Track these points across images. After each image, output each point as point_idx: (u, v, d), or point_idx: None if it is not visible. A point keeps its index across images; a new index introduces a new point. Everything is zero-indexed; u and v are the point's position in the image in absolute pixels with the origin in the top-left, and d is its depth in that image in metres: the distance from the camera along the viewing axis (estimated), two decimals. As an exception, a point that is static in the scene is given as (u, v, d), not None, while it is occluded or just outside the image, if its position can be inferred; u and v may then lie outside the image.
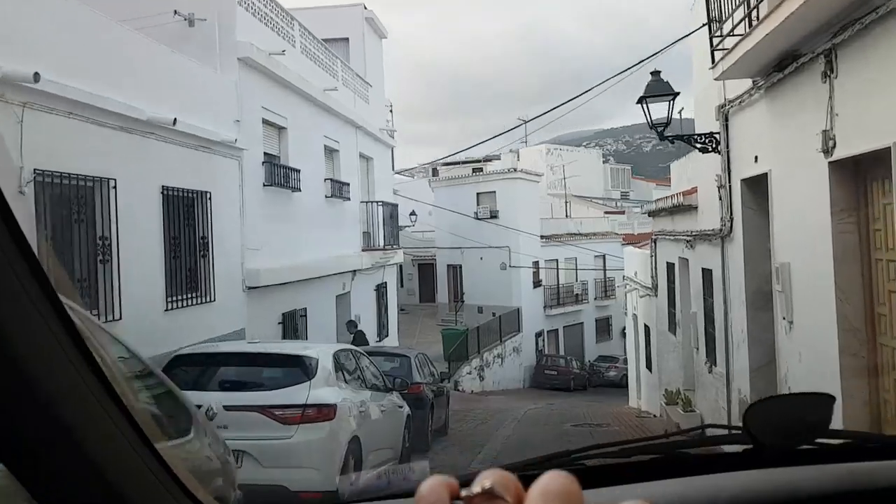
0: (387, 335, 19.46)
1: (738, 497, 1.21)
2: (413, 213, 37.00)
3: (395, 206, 21.20)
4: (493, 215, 32.01)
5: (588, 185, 43.81)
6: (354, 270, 17.16)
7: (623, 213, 41.14)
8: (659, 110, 9.41)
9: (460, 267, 33.83)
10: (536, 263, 33.12)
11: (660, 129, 9.39)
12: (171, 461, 0.86)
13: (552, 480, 0.55)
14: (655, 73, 9.64)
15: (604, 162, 46.16)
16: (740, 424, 1.35)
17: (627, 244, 40.52)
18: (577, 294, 35.83)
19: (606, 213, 39.80)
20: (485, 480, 0.56)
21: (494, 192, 31.92)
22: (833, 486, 1.25)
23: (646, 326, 20.08)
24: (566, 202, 38.88)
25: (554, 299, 34.54)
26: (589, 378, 32.96)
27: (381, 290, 20.21)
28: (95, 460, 0.75)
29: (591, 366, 35.00)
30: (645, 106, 9.46)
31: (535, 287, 33.13)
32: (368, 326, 18.15)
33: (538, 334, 33.10)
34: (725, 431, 1.51)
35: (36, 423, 0.71)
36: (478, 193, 32.27)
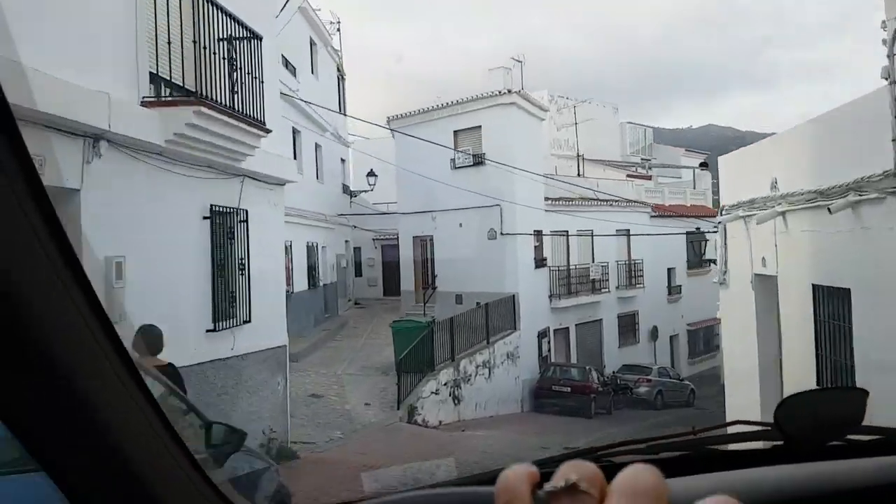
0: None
1: (768, 493, 1.19)
2: (372, 174, 27.17)
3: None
4: (478, 161, 22.27)
5: (601, 147, 34.10)
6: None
7: (650, 178, 31.62)
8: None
9: (431, 239, 24.03)
10: (539, 234, 23.37)
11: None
12: (212, 475, 0.87)
13: (639, 475, 0.51)
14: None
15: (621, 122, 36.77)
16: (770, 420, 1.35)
17: (657, 216, 31.05)
18: (593, 280, 26.08)
19: (629, 176, 30.24)
20: (570, 474, 0.53)
21: (479, 127, 22.15)
22: (863, 481, 1.24)
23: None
24: (579, 156, 29.16)
25: (563, 285, 24.78)
26: (613, 396, 23.22)
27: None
28: (142, 476, 0.76)
29: (615, 378, 25.28)
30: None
31: (537, 267, 23.35)
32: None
33: (542, 334, 23.30)
34: (755, 427, 1.46)
35: (83, 434, 0.72)
36: (456, 133, 22.51)
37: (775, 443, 1.33)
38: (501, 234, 21.79)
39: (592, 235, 26.44)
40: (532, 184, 22.07)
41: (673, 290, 31.26)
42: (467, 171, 22.25)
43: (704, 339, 33.37)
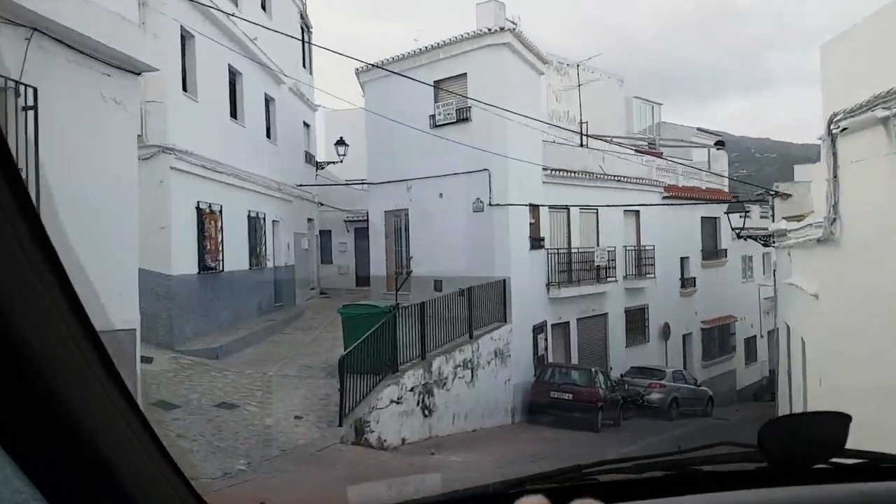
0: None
1: None
2: (341, 143, 23.19)
3: None
4: (463, 116, 18.27)
5: (605, 123, 30.16)
6: None
7: (660, 154, 27.75)
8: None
9: (405, 214, 20.01)
10: (535, 208, 19.41)
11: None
12: (180, 463, 0.88)
13: None
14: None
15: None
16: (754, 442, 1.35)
17: (669, 196, 27.16)
18: (598, 267, 22.14)
19: (638, 151, 26.33)
20: None
21: (464, 75, 18.13)
22: None
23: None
24: (582, 124, 25.26)
25: (563, 272, 20.83)
26: (622, 404, 19.31)
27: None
28: (111, 465, 0.76)
29: (623, 383, 21.39)
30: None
31: (532, 248, 19.38)
32: None
33: (538, 329, 19.32)
34: (740, 449, 1.49)
35: (55, 430, 0.72)
36: (437, 84, 18.47)
37: (760, 465, 1.33)
38: (490, 204, 17.82)
39: (598, 213, 22.50)
40: (528, 145, 18.13)
41: (686, 283, 27.40)
42: (450, 130, 18.26)
43: (720, 339, 29.52)
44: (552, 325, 20.57)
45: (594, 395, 17.09)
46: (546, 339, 19.94)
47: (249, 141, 17.33)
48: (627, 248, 23.99)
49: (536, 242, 19.63)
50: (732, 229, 19.96)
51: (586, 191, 22.10)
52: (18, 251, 0.64)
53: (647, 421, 21.32)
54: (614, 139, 25.35)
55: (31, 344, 0.66)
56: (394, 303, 13.41)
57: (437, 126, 18.56)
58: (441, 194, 18.60)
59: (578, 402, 16.92)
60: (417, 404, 12.64)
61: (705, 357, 28.23)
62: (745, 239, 18.93)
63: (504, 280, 17.51)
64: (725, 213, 19.35)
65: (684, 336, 27.30)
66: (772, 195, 18.74)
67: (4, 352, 0.65)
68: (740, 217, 18.06)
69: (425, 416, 12.88)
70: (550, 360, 19.65)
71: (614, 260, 22.80)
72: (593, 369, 18.21)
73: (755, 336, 32.49)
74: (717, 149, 30.94)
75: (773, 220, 18.73)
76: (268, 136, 19.54)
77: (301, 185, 22.49)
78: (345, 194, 25.97)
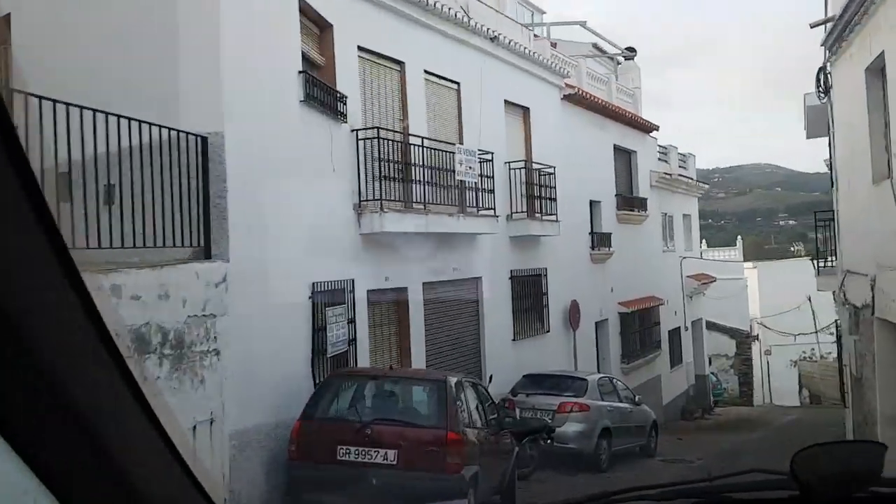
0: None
1: None
2: None
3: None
4: None
5: None
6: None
7: (554, 44, 17.92)
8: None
9: None
10: (326, 29, 8.57)
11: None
12: (190, 463, 0.87)
13: None
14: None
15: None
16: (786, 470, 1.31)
17: (572, 95, 17.09)
18: (462, 185, 11.60)
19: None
20: None
21: None
22: None
23: None
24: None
25: (394, 180, 10.04)
26: (516, 451, 8.65)
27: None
28: (122, 465, 0.76)
29: (503, 407, 10.93)
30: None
31: (308, 102, 8.48)
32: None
33: (327, 298, 8.39)
34: (772, 476, 1.46)
35: (67, 429, 0.72)
36: None
37: (792, 493, 1.32)
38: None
39: (459, 89, 12.00)
40: None
41: (600, 241, 17.49)
42: None
43: (642, 330, 19.90)
44: (369, 294, 9.74)
45: (452, 448, 6.33)
46: (351, 322, 9.05)
47: None
48: (513, 166, 13.62)
49: (330, 103, 8.80)
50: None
51: (433, 38, 11.58)
52: (33, 252, 0.65)
53: (561, 478, 11.10)
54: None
55: (43, 343, 0.66)
56: None
57: None
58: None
59: (412, 464, 6.11)
60: None
61: (625, 356, 18.44)
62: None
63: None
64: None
65: (597, 324, 17.36)
66: None
67: (17, 351, 0.65)
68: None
69: None
70: (354, 364, 8.82)
71: (491, 178, 12.33)
72: (452, 381, 7.33)
73: (679, 328, 23.33)
74: (627, 58, 21.62)
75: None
76: None
77: None
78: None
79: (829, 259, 12.84)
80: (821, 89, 10.69)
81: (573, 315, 15.54)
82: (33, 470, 0.72)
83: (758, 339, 35.77)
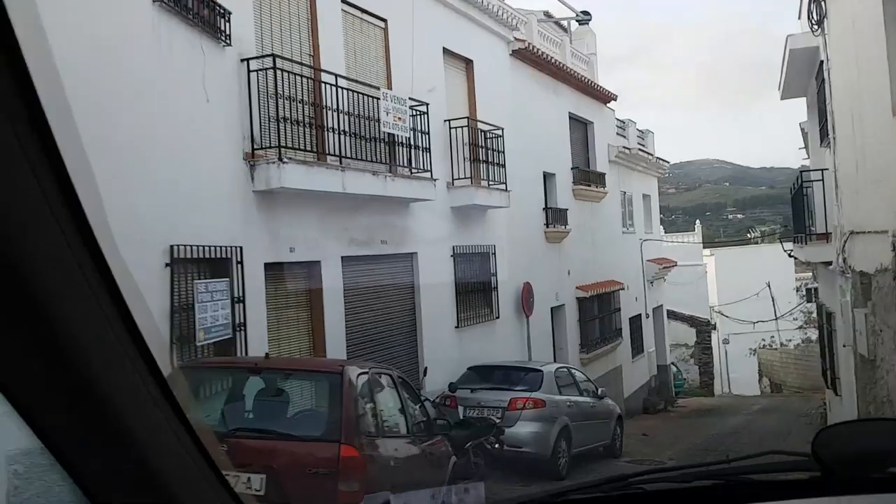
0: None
1: None
2: None
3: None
4: None
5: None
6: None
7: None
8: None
9: None
10: None
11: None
12: (217, 461, 0.86)
13: None
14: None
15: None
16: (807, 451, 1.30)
17: (523, 50, 15.07)
18: (390, 138, 9.62)
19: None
20: None
21: None
22: None
23: None
24: None
25: (296, 124, 7.99)
26: (459, 460, 6.70)
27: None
28: (150, 462, 0.77)
29: (444, 404, 8.99)
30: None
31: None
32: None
33: (204, 267, 6.35)
34: (791, 457, 1.45)
35: (94, 425, 0.73)
36: None
37: (813, 474, 1.30)
38: None
39: (387, 25, 10.00)
40: None
41: (555, 218, 15.68)
42: None
43: (602, 316, 18.18)
44: (268, 268, 7.70)
45: (348, 469, 4.35)
46: (239, 302, 6.99)
47: None
48: (454, 125, 11.67)
49: (206, 16, 6.70)
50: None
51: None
52: (65, 249, 0.65)
53: (512, 489, 9.17)
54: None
55: (77, 343, 0.66)
56: None
57: None
58: None
59: (287, 494, 4.12)
60: None
61: (585, 345, 16.69)
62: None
63: None
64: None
65: (553, 310, 15.56)
66: None
67: (51, 349, 0.66)
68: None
69: None
70: (247, 356, 6.77)
71: (427, 134, 10.35)
72: (353, 374, 5.28)
73: (640, 315, 21.73)
74: (581, 23, 19.85)
75: None
76: None
77: None
78: None
79: (810, 229, 11.27)
80: (813, 20, 9.01)
81: (526, 299, 13.68)
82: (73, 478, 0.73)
83: (715, 327, 34.66)
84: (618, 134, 20.58)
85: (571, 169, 16.92)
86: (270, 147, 7.72)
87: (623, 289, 19.28)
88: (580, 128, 18.15)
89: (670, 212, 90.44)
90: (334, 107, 8.52)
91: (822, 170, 10.50)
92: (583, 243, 17.10)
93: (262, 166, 7.63)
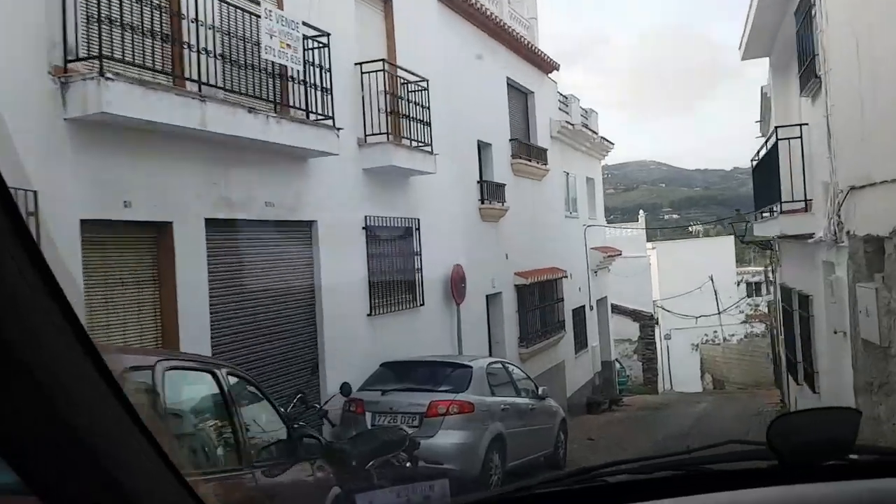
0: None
1: None
2: None
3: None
4: None
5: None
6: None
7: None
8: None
9: None
10: None
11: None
12: (172, 456, 0.83)
13: None
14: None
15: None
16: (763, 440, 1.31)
17: None
18: (274, 68, 7.50)
19: None
20: None
21: None
22: (859, 502, 1.25)
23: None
24: None
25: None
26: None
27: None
28: (102, 459, 0.74)
29: (354, 408, 6.88)
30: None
31: None
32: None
33: None
34: (750, 447, 1.46)
35: (43, 423, 0.70)
36: None
37: (770, 463, 1.32)
38: None
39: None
40: None
41: (491, 192, 13.76)
42: None
43: (543, 307, 16.38)
44: (85, 225, 5.51)
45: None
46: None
47: None
48: (366, 69, 9.56)
49: None
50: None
51: None
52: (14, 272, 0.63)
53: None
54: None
55: (26, 355, 0.64)
56: None
57: None
58: None
59: None
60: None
61: (524, 338, 14.85)
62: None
63: None
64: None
65: (489, 297, 13.67)
66: None
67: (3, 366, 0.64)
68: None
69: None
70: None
71: (328, 72, 8.23)
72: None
73: (584, 307, 20.06)
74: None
75: None
76: None
77: None
78: None
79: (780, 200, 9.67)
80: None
81: (456, 284, 11.73)
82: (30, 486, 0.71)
83: (658, 322, 33.53)
84: (560, 109, 18.86)
85: (510, 141, 15.07)
86: (89, 58, 5.54)
87: (566, 277, 17.56)
88: (520, 97, 16.32)
89: (609, 211, 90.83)
90: (191, 16, 6.36)
91: (800, 125, 8.86)
92: (522, 225, 15.28)
93: (77, 84, 5.43)
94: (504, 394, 8.97)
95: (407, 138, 10.13)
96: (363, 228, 9.50)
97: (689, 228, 49.95)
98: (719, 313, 33.98)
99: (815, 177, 8.75)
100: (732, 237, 44.12)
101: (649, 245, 36.67)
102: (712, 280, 34.55)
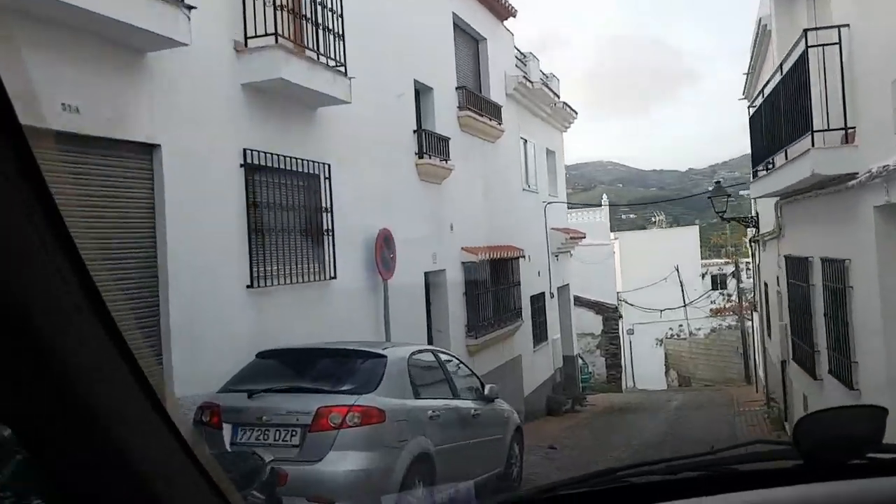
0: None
1: None
2: None
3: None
4: None
5: None
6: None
7: None
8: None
9: None
10: None
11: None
12: (207, 464, 0.82)
13: None
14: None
15: None
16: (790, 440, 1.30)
17: None
18: None
19: None
20: None
21: None
22: (886, 500, 1.23)
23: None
24: None
25: None
26: None
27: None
28: (138, 466, 0.73)
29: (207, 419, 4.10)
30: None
31: None
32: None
33: None
34: (775, 446, 1.49)
35: (79, 431, 0.69)
36: None
37: (795, 462, 1.31)
38: None
39: None
40: None
41: (431, 149, 11.19)
42: None
43: (496, 290, 13.85)
44: None
45: None
46: None
47: None
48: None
49: None
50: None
51: None
52: (43, 255, 0.62)
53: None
54: None
55: (54, 344, 0.63)
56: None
57: None
58: None
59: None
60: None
61: (473, 327, 12.30)
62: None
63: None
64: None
65: (429, 275, 11.09)
66: None
67: (28, 354, 0.63)
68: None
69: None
70: None
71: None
72: None
73: (543, 294, 17.62)
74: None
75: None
76: None
77: None
78: None
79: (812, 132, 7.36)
80: None
81: (382, 254, 9.13)
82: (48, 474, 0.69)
83: (621, 316, 31.43)
84: (517, 66, 16.39)
85: (457, 89, 12.51)
86: None
87: (523, 257, 15.09)
88: (469, 43, 13.79)
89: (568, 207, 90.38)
90: None
91: (838, 26, 6.49)
92: (472, 193, 12.76)
93: None
94: (435, 395, 6.41)
95: (312, 49, 7.48)
96: (241, 166, 6.82)
97: (652, 219, 48.08)
98: (685, 305, 32.06)
99: (857, 99, 6.41)
100: (697, 227, 42.67)
101: (612, 236, 34.57)
102: (678, 270, 32.62)
